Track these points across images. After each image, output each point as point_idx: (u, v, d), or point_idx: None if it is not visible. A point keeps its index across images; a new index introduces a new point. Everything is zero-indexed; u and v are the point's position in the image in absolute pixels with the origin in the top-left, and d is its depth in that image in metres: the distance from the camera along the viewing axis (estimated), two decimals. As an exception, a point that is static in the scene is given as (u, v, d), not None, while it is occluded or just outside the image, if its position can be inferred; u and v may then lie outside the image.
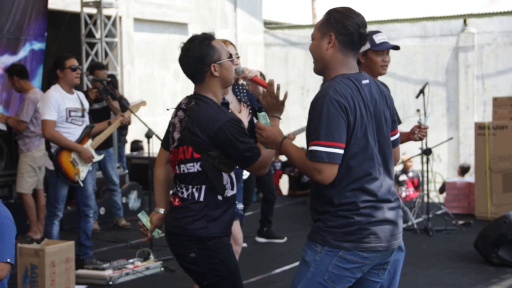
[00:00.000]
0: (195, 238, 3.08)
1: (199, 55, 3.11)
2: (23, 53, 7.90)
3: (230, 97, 4.16)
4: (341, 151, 2.74)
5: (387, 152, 2.91)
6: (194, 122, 3.09)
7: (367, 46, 4.06)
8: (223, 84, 3.20)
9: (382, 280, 2.99)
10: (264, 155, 3.09)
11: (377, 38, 4.14)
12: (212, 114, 3.09)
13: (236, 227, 4.24)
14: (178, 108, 3.21)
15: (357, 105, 2.78)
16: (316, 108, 2.76)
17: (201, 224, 3.08)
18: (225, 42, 4.12)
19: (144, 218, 3.28)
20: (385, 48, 4.12)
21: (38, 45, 8.05)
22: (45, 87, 6.14)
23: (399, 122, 3.07)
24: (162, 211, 3.28)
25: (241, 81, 4.24)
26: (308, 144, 2.78)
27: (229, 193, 3.17)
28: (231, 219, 3.21)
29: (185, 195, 3.13)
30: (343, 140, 2.74)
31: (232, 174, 3.19)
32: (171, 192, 3.29)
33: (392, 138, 3.00)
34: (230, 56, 3.22)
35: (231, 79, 3.22)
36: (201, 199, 3.09)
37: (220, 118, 3.07)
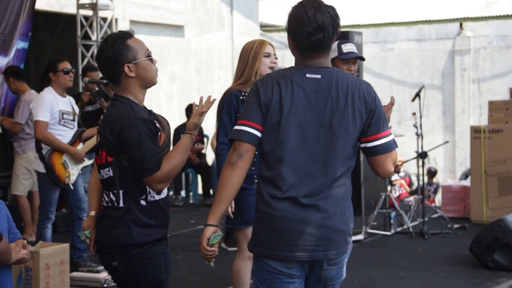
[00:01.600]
0: (118, 245, 2.94)
1: (112, 55, 2.93)
2: (12, 53, 7.90)
3: None
4: (250, 129, 2.68)
5: (324, 147, 2.67)
6: (104, 124, 2.95)
7: (334, 54, 4.26)
8: (142, 84, 3.00)
9: None
10: (167, 169, 2.86)
11: (345, 48, 4.36)
12: (121, 112, 2.91)
13: None
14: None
15: (276, 92, 2.67)
16: None
17: (123, 231, 2.92)
18: (263, 42, 4.15)
19: (82, 236, 3.12)
20: (350, 58, 4.32)
21: (21, 44, 8.04)
22: (37, 89, 6.13)
23: (383, 129, 2.75)
24: (93, 213, 3.11)
25: None
26: None
27: (155, 197, 2.98)
28: (163, 225, 3.03)
29: (105, 202, 3.01)
30: (254, 119, 2.68)
31: None
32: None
33: (369, 144, 2.73)
34: (149, 55, 3.00)
35: (152, 79, 3.02)
36: (121, 204, 2.93)
37: (129, 116, 2.88)
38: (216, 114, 4.23)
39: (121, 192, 2.94)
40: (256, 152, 2.76)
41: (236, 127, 2.73)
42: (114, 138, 2.89)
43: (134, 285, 2.99)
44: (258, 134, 2.70)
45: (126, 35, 2.99)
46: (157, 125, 2.99)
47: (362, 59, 4.51)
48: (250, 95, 2.75)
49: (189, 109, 10.09)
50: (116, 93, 3.03)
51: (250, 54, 4.11)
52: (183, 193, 10.36)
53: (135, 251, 2.93)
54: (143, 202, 2.94)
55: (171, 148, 3.07)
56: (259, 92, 2.72)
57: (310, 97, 2.69)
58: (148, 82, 3.03)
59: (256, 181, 3.64)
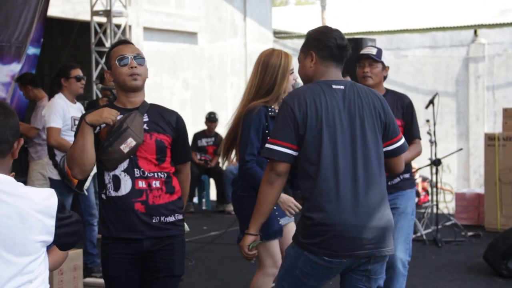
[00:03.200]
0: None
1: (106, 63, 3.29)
2: (24, 59, 7.95)
3: None
4: (284, 149, 2.86)
5: (361, 156, 2.87)
6: None
7: None
8: (120, 86, 3.21)
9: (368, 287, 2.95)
10: (67, 159, 3.17)
11: (362, 51, 4.36)
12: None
13: (275, 247, 3.91)
14: None
15: (311, 106, 2.86)
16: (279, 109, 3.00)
17: (100, 221, 3.25)
18: (288, 55, 4.04)
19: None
20: (361, 58, 4.36)
21: (32, 50, 8.08)
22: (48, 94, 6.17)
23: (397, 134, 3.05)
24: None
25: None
26: None
27: (111, 193, 3.09)
28: (121, 223, 3.10)
29: None
30: (289, 140, 2.87)
31: (121, 175, 3.08)
32: None
33: (389, 148, 3.00)
34: (120, 59, 3.17)
35: (122, 81, 3.17)
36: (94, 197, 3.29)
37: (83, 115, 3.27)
38: (234, 125, 4.01)
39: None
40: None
41: (272, 147, 2.89)
42: None
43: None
44: (294, 153, 2.89)
45: (114, 45, 3.29)
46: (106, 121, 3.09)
47: (371, 57, 4.38)
48: (284, 114, 2.90)
49: (209, 118, 10.11)
50: None
51: (279, 72, 3.91)
52: (195, 199, 10.38)
53: (101, 241, 3.26)
54: (103, 196, 3.15)
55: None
56: (294, 111, 2.88)
57: (341, 106, 2.91)
58: (121, 84, 3.20)
59: None
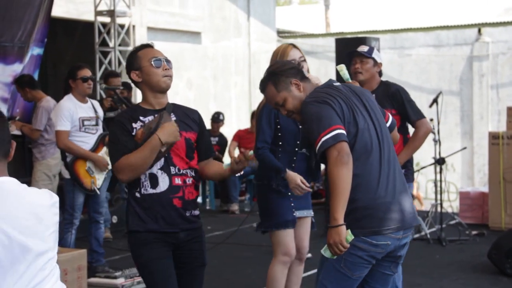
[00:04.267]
0: (129, 232, 3.33)
1: (127, 66, 3.36)
2: (27, 59, 7.96)
3: None
4: (342, 131, 2.93)
5: (383, 134, 3.10)
6: None
7: None
8: (150, 87, 3.29)
9: (394, 273, 3.11)
10: (123, 162, 3.17)
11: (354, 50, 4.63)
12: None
13: (288, 236, 4.00)
14: None
15: (336, 98, 3.03)
16: (305, 114, 3.04)
17: (129, 219, 3.30)
18: (288, 46, 4.12)
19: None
20: (353, 56, 4.56)
21: (37, 50, 8.10)
22: (59, 95, 6.19)
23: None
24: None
25: None
26: (315, 146, 2.97)
27: (149, 191, 3.22)
28: (159, 218, 3.23)
29: None
30: (338, 122, 2.95)
31: (158, 172, 3.21)
32: None
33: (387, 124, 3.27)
34: (151, 62, 3.27)
35: (156, 82, 3.27)
36: (126, 195, 3.29)
37: (116, 116, 3.31)
38: (254, 121, 4.43)
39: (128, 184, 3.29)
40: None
41: (330, 134, 2.91)
42: None
43: (139, 269, 3.39)
44: (345, 132, 2.97)
45: (141, 47, 3.37)
46: (134, 124, 3.23)
47: (360, 53, 4.59)
48: (321, 108, 2.99)
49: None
50: None
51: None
52: (199, 199, 10.38)
53: (131, 236, 3.32)
54: (137, 194, 3.24)
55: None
56: (329, 104, 3.00)
57: (352, 97, 3.11)
58: (153, 86, 3.29)
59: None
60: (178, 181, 3.24)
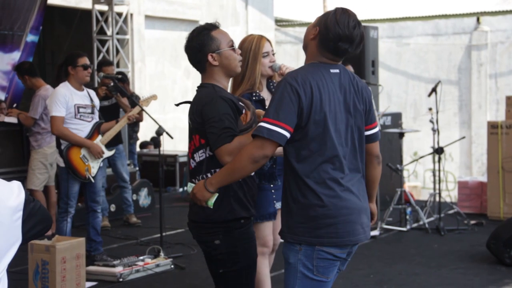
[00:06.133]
0: (221, 222, 3.06)
1: (197, 46, 3.14)
2: (22, 46, 7.93)
3: (265, 94, 4.09)
4: (283, 132, 2.75)
5: (351, 141, 2.90)
6: (191, 108, 3.15)
7: None
8: (226, 72, 3.20)
9: (341, 270, 2.99)
10: (237, 144, 2.96)
11: None
12: (204, 94, 3.11)
13: (268, 229, 4.06)
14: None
15: (316, 91, 2.81)
16: (275, 91, 2.86)
17: (227, 207, 3.07)
18: (262, 38, 4.07)
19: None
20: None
21: (31, 37, 8.06)
22: (53, 82, 6.16)
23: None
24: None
25: (277, 78, 4.16)
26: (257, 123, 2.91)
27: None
28: (253, 201, 3.19)
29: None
30: (289, 122, 2.76)
31: None
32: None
33: (368, 132, 3.00)
34: (232, 45, 3.19)
35: (234, 67, 3.21)
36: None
37: (210, 95, 3.07)
38: None
39: (217, 170, 3.00)
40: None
41: (270, 127, 2.75)
42: (199, 118, 3.06)
43: (234, 263, 3.10)
44: (288, 135, 2.79)
45: (211, 27, 3.18)
46: (241, 103, 3.15)
47: None
48: (288, 95, 2.78)
49: None
50: (202, 82, 3.21)
51: (250, 56, 4.00)
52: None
53: (238, 230, 3.08)
54: None
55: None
56: (300, 94, 2.79)
57: (338, 93, 2.88)
58: (231, 70, 3.21)
59: (278, 178, 3.94)
60: None
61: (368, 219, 2.96)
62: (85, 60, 5.74)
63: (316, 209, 2.81)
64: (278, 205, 4.04)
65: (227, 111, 3.02)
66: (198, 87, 3.22)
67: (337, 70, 2.91)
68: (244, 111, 3.15)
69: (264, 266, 4.11)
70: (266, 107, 3.63)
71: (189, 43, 3.18)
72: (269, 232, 4.08)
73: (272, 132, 2.74)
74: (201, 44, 3.13)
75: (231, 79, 3.94)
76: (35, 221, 2.08)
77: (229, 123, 2.99)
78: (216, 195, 2.96)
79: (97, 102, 5.96)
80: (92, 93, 5.96)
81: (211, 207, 2.96)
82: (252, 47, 4.01)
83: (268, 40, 4.12)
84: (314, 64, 2.91)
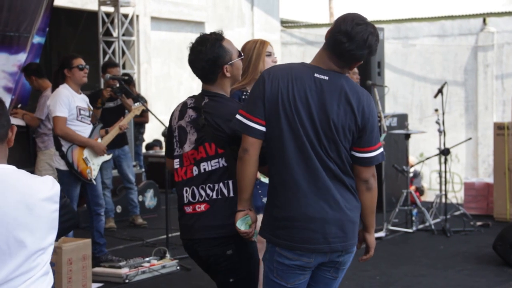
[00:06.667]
0: (233, 235, 3.01)
1: (212, 58, 3.09)
2: (28, 48, 7.94)
3: None
4: (256, 125, 2.78)
5: (325, 146, 2.76)
6: (215, 117, 3.05)
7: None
8: (233, 81, 3.23)
9: (336, 278, 2.92)
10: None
11: None
12: (233, 107, 3.06)
13: (257, 223, 4.18)
14: (185, 108, 3.19)
15: (282, 87, 2.75)
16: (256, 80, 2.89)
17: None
18: (265, 41, 4.15)
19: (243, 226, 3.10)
20: None
21: (38, 39, 8.06)
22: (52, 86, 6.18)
23: (374, 142, 2.84)
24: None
25: None
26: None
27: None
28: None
29: (213, 195, 3.06)
30: (258, 115, 2.79)
31: None
32: (185, 201, 3.15)
33: (358, 154, 2.81)
34: (240, 54, 3.21)
35: (239, 76, 3.25)
36: (232, 194, 3.03)
37: (236, 108, 3.04)
38: None
39: (230, 182, 3.03)
40: None
41: (243, 120, 2.81)
42: (229, 131, 3.00)
43: (245, 269, 3.08)
44: (263, 129, 2.80)
45: (221, 38, 3.15)
46: None
47: None
48: (256, 87, 2.83)
49: None
50: (208, 90, 3.16)
51: (253, 54, 4.10)
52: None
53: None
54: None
55: None
56: (265, 85, 2.79)
57: (314, 96, 2.76)
58: (237, 80, 3.23)
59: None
60: None
61: (340, 230, 2.79)
62: (80, 61, 5.75)
63: (275, 210, 2.87)
64: (265, 200, 4.11)
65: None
66: (209, 95, 3.14)
67: (325, 77, 2.78)
68: None
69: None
70: None
71: (200, 55, 3.11)
72: (257, 225, 4.15)
73: (246, 127, 2.80)
74: (217, 56, 3.09)
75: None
76: (68, 216, 2.17)
77: None
78: (247, 215, 2.97)
79: (90, 106, 5.98)
80: (86, 98, 5.96)
81: (246, 224, 2.96)
82: (257, 45, 4.13)
83: (271, 45, 4.20)
84: (304, 64, 2.88)
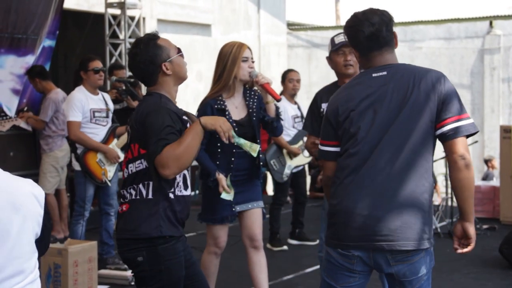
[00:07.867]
0: (145, 239, 2.91)
1: (148, 58, 3.00)
2: (39, 51, 7.97)
3: (238, 100, 4.16)
4: (327, 148, 2.88)
5: (400, 138, 2.75)
6: (134, 116, 3.00)
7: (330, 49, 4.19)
8: (177, 80, 3.10)
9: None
10: (168, 154, 2.79)
11: (337, 39, 4.17)
12: (149, 103, 2.97)
13: (221, 231, 4.26)
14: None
15: (341, 103, 2.81)
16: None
17: (153, 223, 2.91)
18: (242, 45, 4.13)
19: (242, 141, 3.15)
20: (339, 46, 4.12)
21: (48, 42, 8.10)
22: (69, 87, 6.21)
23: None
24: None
25: (255, 87, 4.25)
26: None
27: (182, 192, 3.00)
28: (183, 222, 3.05)
29: (133, 196, 2.97)
30: (328, 137, 2.87)
31: (188, 175, 3.05)
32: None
33: (437, 132, 2.79)
34: (179, 51, 3.10)
35: (184, 73, 3.13)
36: (150, 196, 2.92)
37: (155, 105, 2.93)
38: None
39: (151, 183, 2.93)
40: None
41: (321, 147, 2.92)
42: (140, 127, 2.92)
43: (156, 281, 2.94)
44: (337, 150, 2.85)
45: (155, 37, 3.07)
46: (185, 117, 3.03)
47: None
48: (326, 114, 2.90)
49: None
50: (149, 91, 3.10)
51: (229, 59, 4.08)
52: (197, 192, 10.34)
53: (162, 246, 2.92)
54: (171, 195, 2.95)
55: None
56: (324, 108, 3.01)
57: (376, 94, 2.77)
58: (181, 77, 3.12)
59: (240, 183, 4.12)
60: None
61: (387, 228, 2.71)
62: (96, 64, 5.78)
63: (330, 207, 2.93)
64: (242, 207, 4.23)
65: (170, 123, 2.86)
66: (144, 95, 3.10)
67: (384, 73, 2.82)
68: (188, 125, 3.00)
69: (211, 264, 4.35)
70: (227, 116, 3.80)
71: (136, 57, 3.01)
72: (222, 234, 4.27)
73: (320, 152, 2.94)
74: (153, 55, 2.99)
75: (212, 79, 4.05)
76: (48, 228, 2.12)
77: (166, 133, 2.83)
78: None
79: (111, 105, 6.01)
80: (107, 96, 6.01)
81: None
82: (233, 50, 4.10)
83: (249, 48, 4.16)
84: (356, 76, 2.97)
